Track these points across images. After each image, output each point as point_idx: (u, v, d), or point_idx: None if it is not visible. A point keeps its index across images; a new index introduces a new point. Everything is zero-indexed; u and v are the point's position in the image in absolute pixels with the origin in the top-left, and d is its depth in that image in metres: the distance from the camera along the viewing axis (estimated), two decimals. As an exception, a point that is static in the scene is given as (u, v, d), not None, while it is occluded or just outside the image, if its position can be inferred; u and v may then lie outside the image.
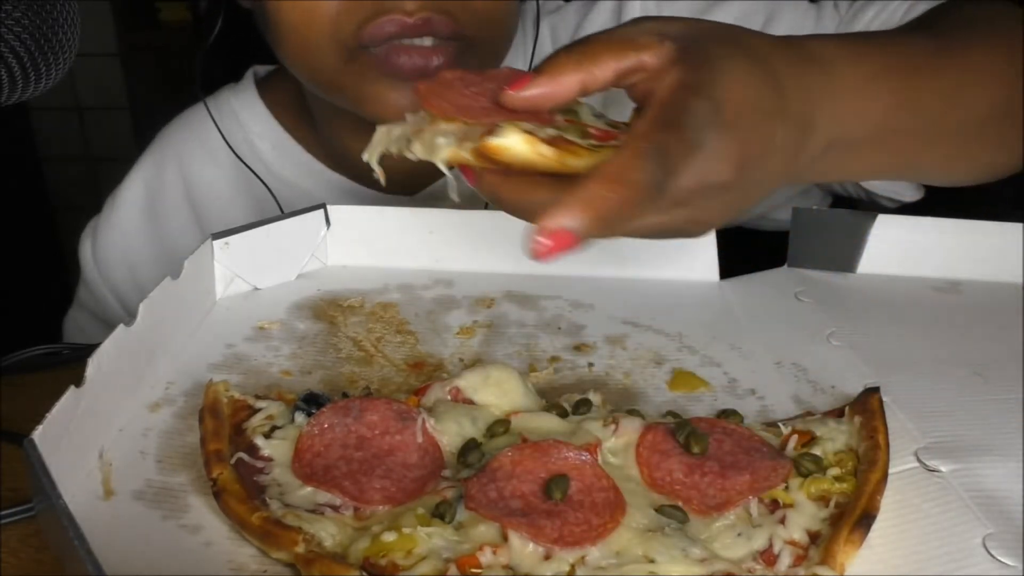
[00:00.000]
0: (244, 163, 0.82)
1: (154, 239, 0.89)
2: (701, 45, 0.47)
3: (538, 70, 0.46)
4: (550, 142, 0.43)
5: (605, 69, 0.46)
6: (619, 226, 0.43)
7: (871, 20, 0.78)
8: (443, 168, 0.46)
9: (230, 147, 0.82)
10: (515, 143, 0.42)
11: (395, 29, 0.67)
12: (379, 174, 0.49)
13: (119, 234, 0.89)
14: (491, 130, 0.43)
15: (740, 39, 0.50)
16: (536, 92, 0.45)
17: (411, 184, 0.85)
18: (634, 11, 0.84)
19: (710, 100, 0.45)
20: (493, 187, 0.45)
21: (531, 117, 0.45)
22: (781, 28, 0.80)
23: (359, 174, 0.86)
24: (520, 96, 0.45)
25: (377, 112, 0.72)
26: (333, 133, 0.84)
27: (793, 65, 0.51)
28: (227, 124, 0.86)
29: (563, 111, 0.47)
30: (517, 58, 0.86)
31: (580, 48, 0.46)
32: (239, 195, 0.88)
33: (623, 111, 0.52)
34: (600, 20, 0.86)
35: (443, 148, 0.44)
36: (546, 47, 0.86)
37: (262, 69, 0.92)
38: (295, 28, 0.70)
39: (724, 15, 0.81)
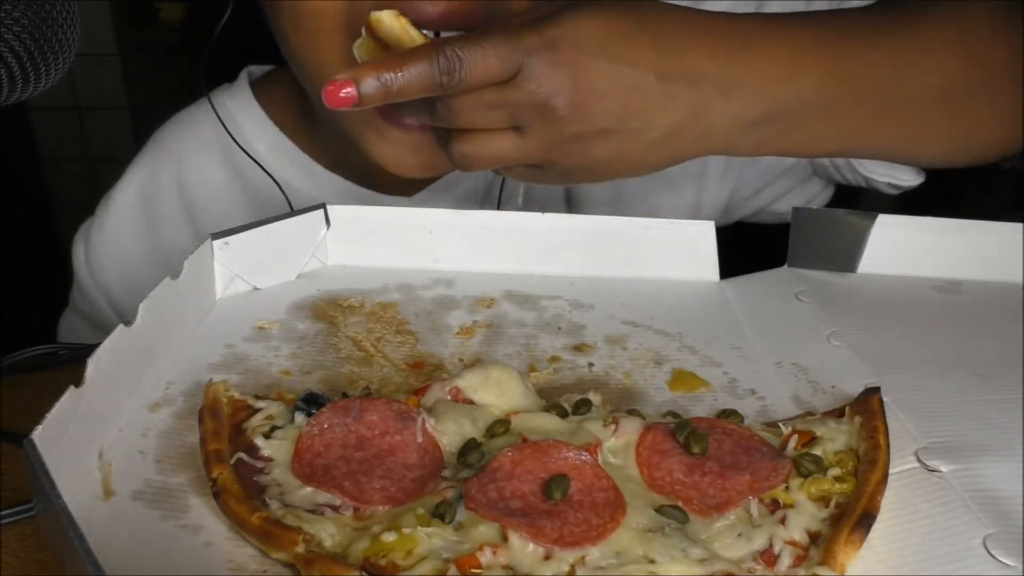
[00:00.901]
0: (253, 159, 0.81)
1: (148, 242, 0.89)
2: (576, 2, 0.55)
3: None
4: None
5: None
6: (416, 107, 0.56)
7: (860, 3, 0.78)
8: (357, 56, 0.59)
9: (239, 145, 0.81)
10: (387, 17, 0.55)
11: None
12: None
13: (112, 237, 0.89)
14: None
15: (635, 2, 0.57)
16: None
17: (412, 186, 0.85)
18: None
19: (541, 35, 0.53)
20: (384, 84, 0.53)
21: None
22: (773, 8, 0.80)
23: (359, 175, 0.85)
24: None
25: (372, 158, 0.71)
26: (336, 135, 0.83)
27: (696, 31, 0.57)
28: (222, 127, 0.85)
29: None
30: None
31: None
32: (235, 197, 0.87)
33: None
34: None
35: (359, 41, 0.57)
36: None
37: (257, 69, 0.91)
38: (304, 17, 0.67)
39: (714, 3, 0.81)
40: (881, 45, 0.63)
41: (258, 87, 0.89)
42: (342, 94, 0.52)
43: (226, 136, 0.83)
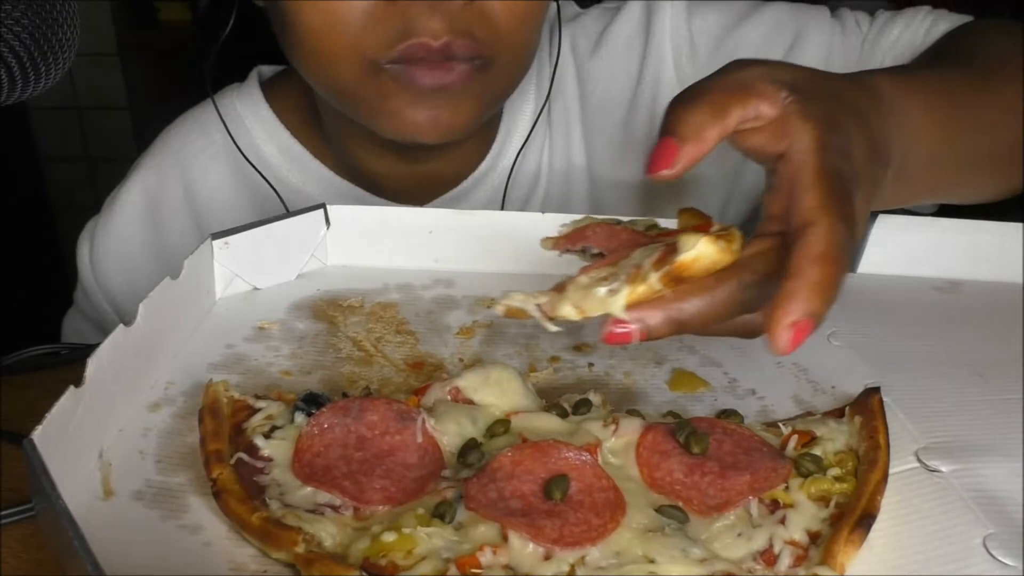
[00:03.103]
0: (253, 166, 0.81)
1: (154, 245, 0.88)
2: (818, 103, 0.48)
3: (672, 131, 0.45)
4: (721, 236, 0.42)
5: (732, 119, 0.46)
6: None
7: (896, 38, 0.79)
8: (620, 314, 0.42)
9: (240, 151, 0.81)
10: (705, 248, 0.41)
11: (421, 53, 0.68)
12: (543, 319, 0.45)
13: (117, 239, 0.88)
14: (671, 250, 0.42)
15: (839, 93, 0.51)
16: (689, 158, 0.45)
17: (420, 196, 0.84)
18: (664, 16, 0.84)
19: (852, 164, 0.46)
20: (677, 322, 0.43)
21: (611, 259, 0.45)
22: (811, 46, 0.81)
23: (368, 183, 0.85)
24: (677, 168, 0.45)
25: (393, 128, 0.72)
26: (343, 142, 0.83)
27: (872, 108, 0.53)
28: (231, 127, 0.84)
29: (645, 227, 0.49)
30: (532, 71, 0.85)
31: (705, 99, 0.46)
32: (242, 201, 0.87)
33: None
34: (627, 28, 0.86)
35: (618, 296, 0.42)
36: (566, 59, 0.87)
37: (267, 70, 0.90)
38: (315, 34, 0.69)
39: (754, 29, 0.82)
40: (978, 105, 0.63)
41: (268, 88, 0.88)
42: (793, 333, 0.42)
43: (235, 139, 0.83)
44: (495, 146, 0.85)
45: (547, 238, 0.51)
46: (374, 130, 0.74)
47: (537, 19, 0.74)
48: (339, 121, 0.81)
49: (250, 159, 0.83)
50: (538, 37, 0.76)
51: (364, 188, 0.85)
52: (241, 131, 0.84)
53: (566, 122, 0.87)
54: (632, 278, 0.42)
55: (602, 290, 0.42)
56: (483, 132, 0.84)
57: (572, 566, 0.40)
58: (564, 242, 0.50)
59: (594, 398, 0.52)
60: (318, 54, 0.71)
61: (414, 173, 0.83)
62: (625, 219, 0.51)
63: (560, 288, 0.45)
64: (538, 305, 0.45)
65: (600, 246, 0.49)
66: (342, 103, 0.75)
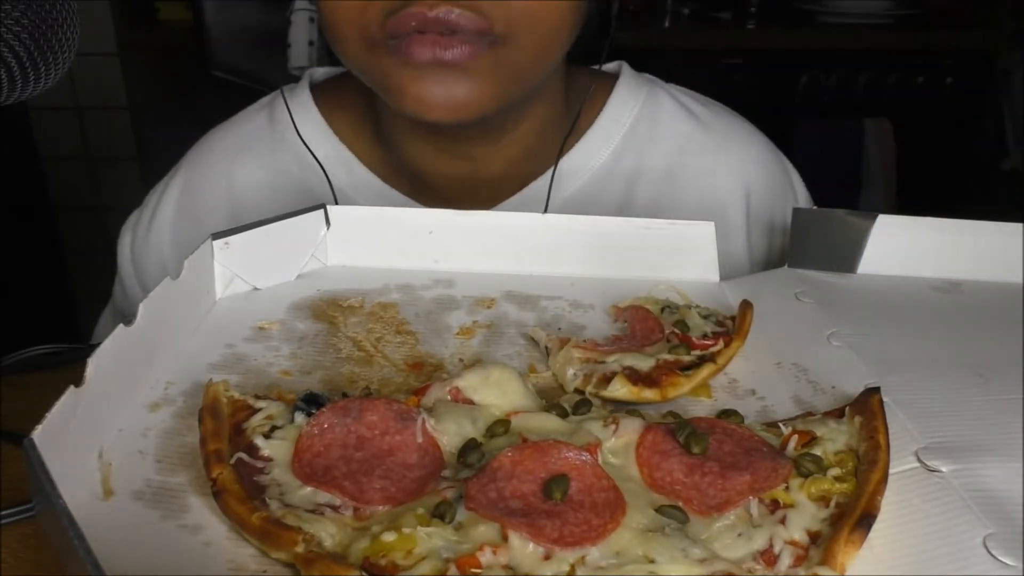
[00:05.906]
0: (319, 164, 0.79)
1: (191, 244, 0.87)
2: None
3: None
4: (654, 377, 0.54)
5: None
6: None
7: None
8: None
9: (309, 149, 0.80)
10: (621, 392, 0.53)
11: (416, 23, 0.66)
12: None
13: (157, 235, 0.87)
14: (608, 379, 0.53)
15: None
16: None
17: (480, 202, 0.81)
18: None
19: None
20: None
21: (646, 339, 0.58)
22: None
23: (417, 186, 0.83)
24: None
25: (400, 105, 0.71)
26: (395, 138, 0.81)
27: None
28: (278, 130, 0.84)
29: (674, 321, 0.59)
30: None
31: None
32: (285, 204, 0.83)
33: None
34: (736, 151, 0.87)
35: (572, 382, 0.55)
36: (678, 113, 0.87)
37: (321, 73, 0.90)
38: (329, 16, 0.71)
39: None
40: None
41: (319, 92, 0.87)
42: None
43: (279, 141, 0.82)
44: (578, 147, 0.83)
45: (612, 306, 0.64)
46: (392, 108, 0.73)
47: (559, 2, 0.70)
48: (389, 114, 0.80)
49: (295, 163, 0.82)
50: (567, 21, 0.72)
51: (412, 196, 0.83)
52: (288, 133, 0.83)
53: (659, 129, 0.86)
54: (586, 375, 0.55)
55: (570, 372, 0.55)
56: (553, 130, 0.82)
57: (572, 566, 0.40)
58: (615, 312, 0.64)
59: (594, 398, 0.52)
60: (328, 30, 0.72)
61: (472, 173, 0.81)
62: (683, 304, 0.63)
63: (563, 341, 0.58)
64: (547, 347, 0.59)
65: (631, 326, 0.61)
66: (364, 81, 0.75)
